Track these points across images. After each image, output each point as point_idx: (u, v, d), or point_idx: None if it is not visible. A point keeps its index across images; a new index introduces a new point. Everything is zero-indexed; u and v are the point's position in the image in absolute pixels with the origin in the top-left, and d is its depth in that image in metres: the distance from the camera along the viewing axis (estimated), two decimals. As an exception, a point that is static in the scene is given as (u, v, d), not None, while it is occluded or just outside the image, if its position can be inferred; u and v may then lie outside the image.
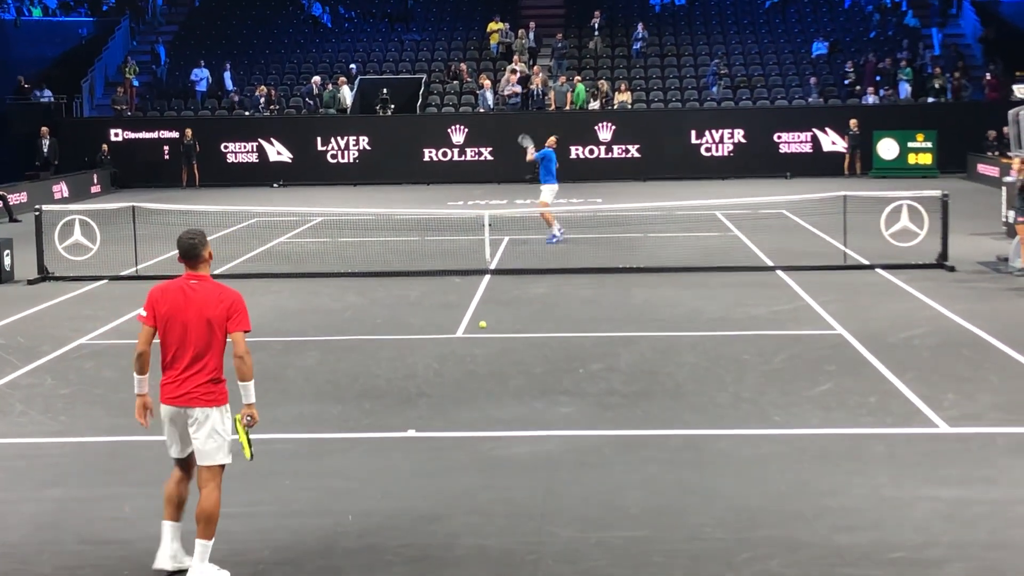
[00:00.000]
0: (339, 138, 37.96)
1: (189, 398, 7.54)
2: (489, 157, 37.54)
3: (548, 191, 23.77)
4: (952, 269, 19.11)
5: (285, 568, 7.78)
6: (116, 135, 38.32)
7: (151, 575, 7.69)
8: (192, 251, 7.67)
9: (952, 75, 38.60)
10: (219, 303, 7.55)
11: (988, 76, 38.42)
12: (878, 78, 39.05)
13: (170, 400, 7.58)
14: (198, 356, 7.53)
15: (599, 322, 15.73)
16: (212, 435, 7.54)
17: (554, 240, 23.27)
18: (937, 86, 38.39)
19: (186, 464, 7.73)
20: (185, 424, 7.59)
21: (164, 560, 7.64)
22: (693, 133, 37.36)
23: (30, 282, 19.66)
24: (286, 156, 38.12)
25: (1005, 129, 26.50)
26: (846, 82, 39.41)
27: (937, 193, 20.23)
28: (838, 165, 36.46)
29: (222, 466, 7.62)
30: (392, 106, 38.68)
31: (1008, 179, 22.30)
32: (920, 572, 7.53)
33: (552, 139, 24.30)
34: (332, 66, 41.78)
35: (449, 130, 37.83)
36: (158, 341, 7.66)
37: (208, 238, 7.87)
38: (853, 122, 36.22)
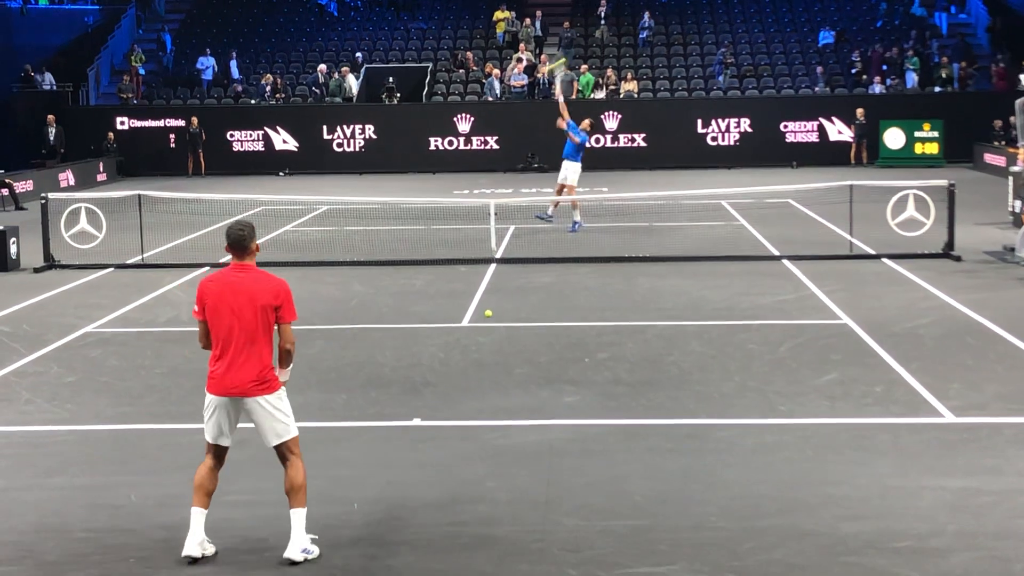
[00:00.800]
0: (345, 127, 37.99)
1: (242, 388, 7.61)
2: (495, 146, 37.55)
3: (575, 170, 23.63)
4: (958, 259, 19.09)
5: (290, 556, 7.80)
6: (122, 123, 38.37)
7: (157, 561, 7.72)
8: (240, 243, 7.74)
9: (960, 65, 38.52)
10: (267, 291, 7.65)
11: (995, 66, 38.34)
12: (884, 67, 39.02)
13: (222, 391, 7.62)
14: (249, 345, 7.60)
15: (604, 311, 15.73)
16: (275, 418, 7.70)
17: (577, 228, 23.30)
18: (944, 75, 38.32)
19: (220, 452, 7.78)
20: (236, 413, 7.68)
21: (193, 547, 7.65)
22: (699, 122, 37.36)
23: (36, 270, 19.69)
24: (292, 145, 38.15)
25: (1012, 119, 26.47)
26: (852, 71, 39.38)
27: (944, 182, 20.24)
28: (844, 154, 36.47)
29: (295, 438, 7.78)
30: (398, 95, 38.69)
31: (1015, 168, 22.29)
32: (925, 561, 7.52)
33: (586, 122, 24.19)
34: (338, 55, 41.78)
35: (455, 119, 37.84)
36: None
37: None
38: (860, 111, 36.19)
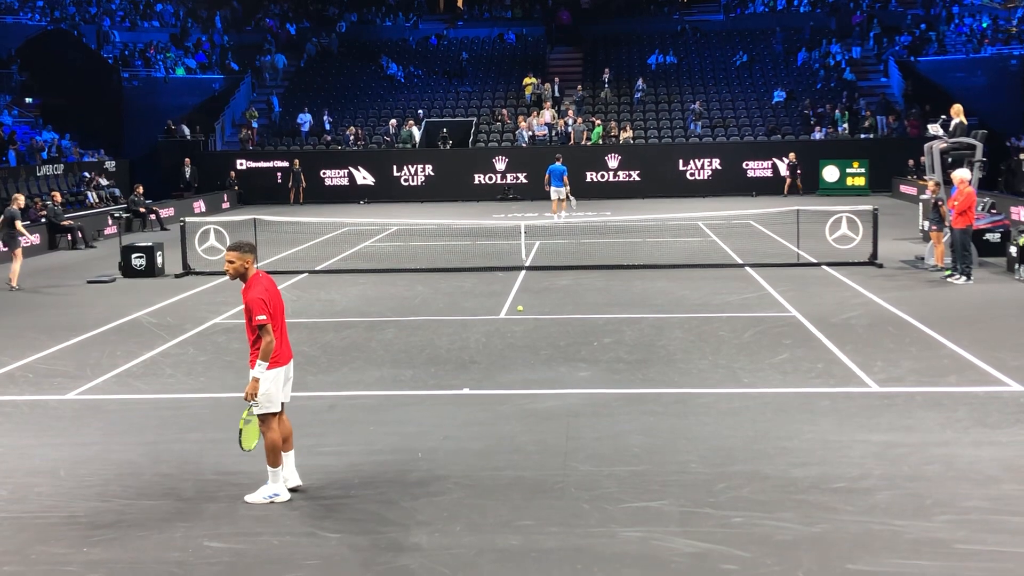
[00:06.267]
0: (410, 166, 37.99)
1: (291, 355, 7.87)
2: (524, 180, 37.45)
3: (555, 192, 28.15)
4: (881, 266, 18.93)
5: (369, 492, 7.79)
6: (241, 164, 38.51)
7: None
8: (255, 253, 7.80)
9: (886, 118, 38.27)
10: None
11: (909, 118, 38.01)
12: (824, 119, 38.70)
13: (288, 359, 7.77)
14: (284, 324, 7.80)
15: (609, 306, 15.68)
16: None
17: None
18: (868, 125, 38.05)
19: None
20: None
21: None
22: (680, 162, 37.15)
23: (176, 276, 19.81)
24: (370, 180, 38.19)
25: (922, 158, 26.23)
26: (799, 122, 39.03)
27: (869, 207, 20.10)
28: (792, 185, 36.17)
29: None
30: (450, 141, 38.68)
31: (924, 197, 22.08)
32: (857, 498, 7.46)
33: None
34: (404, 111, 41.80)
35: (493, 160, 37.77)
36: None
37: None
38: (792, 155, 35.93)
